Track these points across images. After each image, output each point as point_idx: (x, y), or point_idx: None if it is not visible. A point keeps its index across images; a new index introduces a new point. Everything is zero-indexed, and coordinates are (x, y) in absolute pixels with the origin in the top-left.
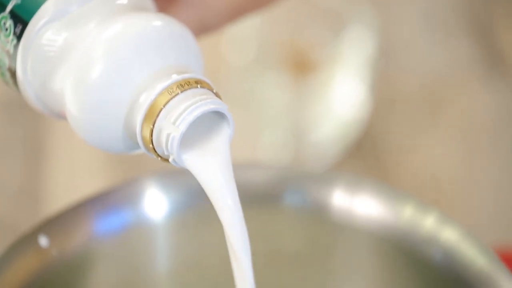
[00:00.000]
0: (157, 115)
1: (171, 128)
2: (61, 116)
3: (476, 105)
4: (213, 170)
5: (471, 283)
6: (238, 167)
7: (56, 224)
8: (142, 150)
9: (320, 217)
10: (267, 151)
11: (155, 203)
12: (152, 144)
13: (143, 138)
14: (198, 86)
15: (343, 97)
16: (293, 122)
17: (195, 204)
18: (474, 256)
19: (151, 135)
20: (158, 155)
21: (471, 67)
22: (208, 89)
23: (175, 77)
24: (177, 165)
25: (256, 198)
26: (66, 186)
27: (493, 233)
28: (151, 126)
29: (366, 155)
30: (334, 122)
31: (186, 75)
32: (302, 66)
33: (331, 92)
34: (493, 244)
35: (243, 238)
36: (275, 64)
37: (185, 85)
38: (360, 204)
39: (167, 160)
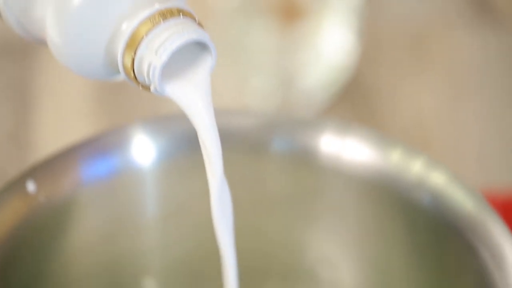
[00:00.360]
0: (139, 44)
1: (152, 57)
2: (42, 42)
3: (463, 50)
4: (193, 99)
5: (459, 226)
6: (225, 113)
7: (43, 169)
8: (123, 77)
9: (308, 162)
10: (255, 97)
11: (143, 149)
12: (134, 73)
13: (124, 67)
14: (181, 15)
15: (331, 43)
16: (281, 69)
17: (183, 150)
18: (462, 199)
19: (133, 64)
20: (139, 84)
21: (458, 13)
22: (190, 18)
23: (157, 6)
24: (158, 94)
25: (244, 144)
26: (54, 132)
27: (481, 177)
28: (133, 55)
29: (354, 101)
30: (322, 69)
31: (169, 4)
32: (290, 13)
33: (319, 38)
34: (481, 187)
35: (216, 142)
36: (263, 10)
37: (167, 14)
38: (348, 150)
39: (148, 88)
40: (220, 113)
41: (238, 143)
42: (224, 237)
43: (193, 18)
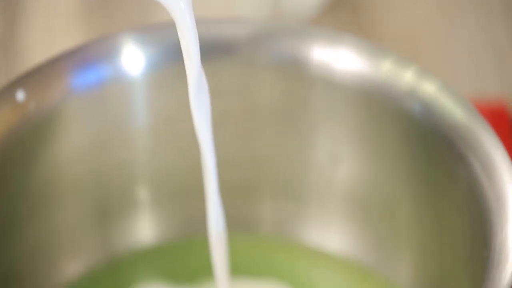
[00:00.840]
0: None
1: None
2: None
3: None
4: None
5: (449, 135)
6: (215, 22)
7: (33, 78)
8: None
9: (299, 72)
10: (245, 7)
11: (133, 59)
12: None
13: None
14: None
15: None
16: None
17: (172, 60)
18: (452, 108)
19: None
20: None
21: None
22: None
23: None
24: None
25: (234, 54)
26: (44, 40)
27: (471, 85)
28: None
29: (345, 10)
30: None
31: None
32: None
33: None
34: (470, 96)
35: (195, 42)
36: None
37: None
38: (339, 59)
39: None
40: (209, 23)
41: (228, 53)
42: (202, 126)
43: None
